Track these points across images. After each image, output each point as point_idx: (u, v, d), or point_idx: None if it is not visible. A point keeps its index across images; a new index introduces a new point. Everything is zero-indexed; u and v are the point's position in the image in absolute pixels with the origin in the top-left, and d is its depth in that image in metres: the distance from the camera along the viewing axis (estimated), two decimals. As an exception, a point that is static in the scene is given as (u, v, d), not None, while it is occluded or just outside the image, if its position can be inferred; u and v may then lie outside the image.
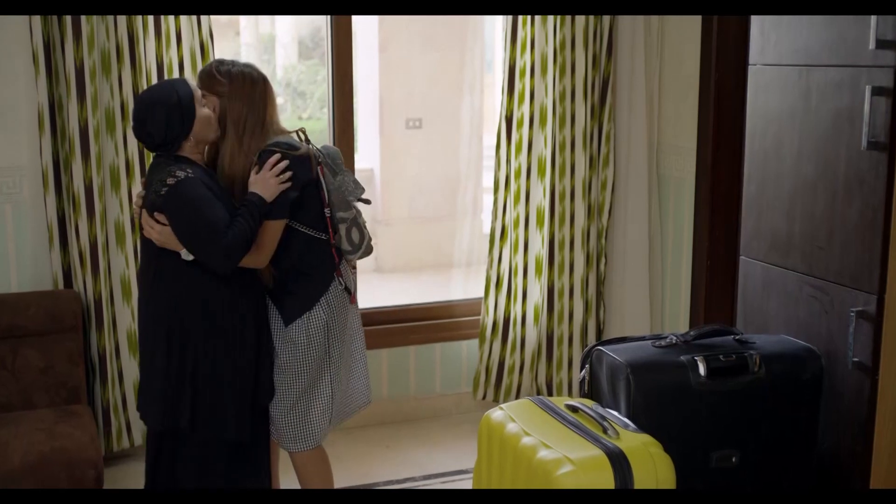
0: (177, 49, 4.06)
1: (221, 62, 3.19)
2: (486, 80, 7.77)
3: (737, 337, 3.16)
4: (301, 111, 9.68)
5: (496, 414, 2.93)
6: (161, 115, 3.02)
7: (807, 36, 3.19)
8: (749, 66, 3.48)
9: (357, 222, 3.36)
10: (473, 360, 4.84)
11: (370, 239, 3.41)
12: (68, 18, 3.86)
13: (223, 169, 3.18)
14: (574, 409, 2.86)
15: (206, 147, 3.23)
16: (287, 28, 9.99)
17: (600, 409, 2.85)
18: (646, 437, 2.71)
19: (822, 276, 3.17)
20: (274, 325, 3.31)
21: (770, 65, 3.37)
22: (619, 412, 2.94)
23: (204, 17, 4.08)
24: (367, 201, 3.41)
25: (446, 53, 7.42)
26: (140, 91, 3.88)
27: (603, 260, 4.77)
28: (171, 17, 4.02)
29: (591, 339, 4.80)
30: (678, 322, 4.73)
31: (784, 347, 3.17)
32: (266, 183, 3.08)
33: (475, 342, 4.82)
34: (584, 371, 3.17)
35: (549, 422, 2.82)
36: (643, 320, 4.80)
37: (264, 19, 9.96)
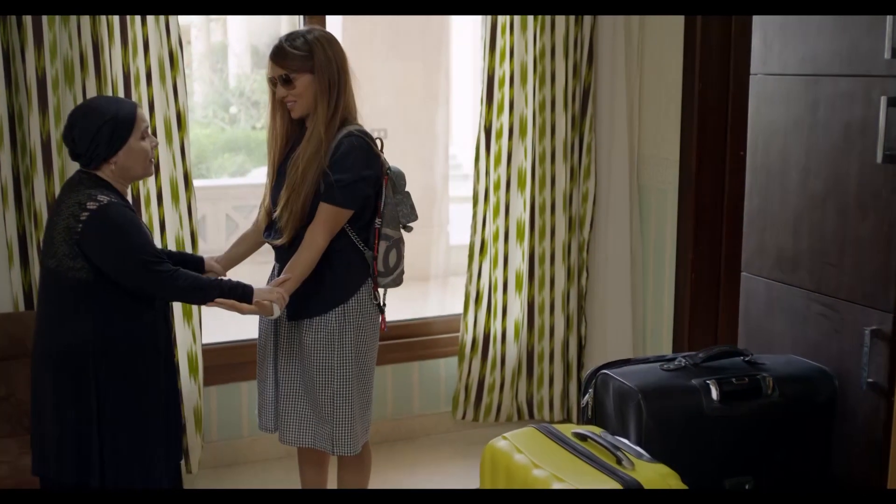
0: (144, 57, 3.85)
1: (289, 36, 3.17)
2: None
3: (746, 358, 3.03)
4: (255, 121, 9.51)
5: (500, 444, 2.76)
6: (92, 125, 2.84)
7: (814, 44, 3.08)
8: (750, 76, 3.35)
9: (399, 246, 3.29)
10: (452, 378, 4.70)
11: (403, 270, 3.33)
12: (29, 25, 3.63)
13: (321, 135, 3.12)
14: (583, 438, 2.71)
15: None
16: (240, 36, 9.81)
17: (610, 438, 2.70)
18: (662, 468, 2.56)
19: (833, 293, 3.06)
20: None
21: (773, 74, 3.25)
22: (629, 439, 2.80)
23: (173, 24, 3.88)
24: (410, 229, 3.35)
25: (411, 63, 7.30)
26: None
27: (584, 274, 4.65)
28: (139, 24, 3.82)
29: (573, 356, 4.68)
30: (661, 337, 4.63)
31: (796, 369, 3.05)
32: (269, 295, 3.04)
33: (453, 360, 4.68)
34: (587, 396, 3.03)
35: (558, 452, 2.67)
36: (625, 335, 4.68)
37: (216, 27, 9.77)
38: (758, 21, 3.30)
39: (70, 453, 2.90)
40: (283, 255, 3.22)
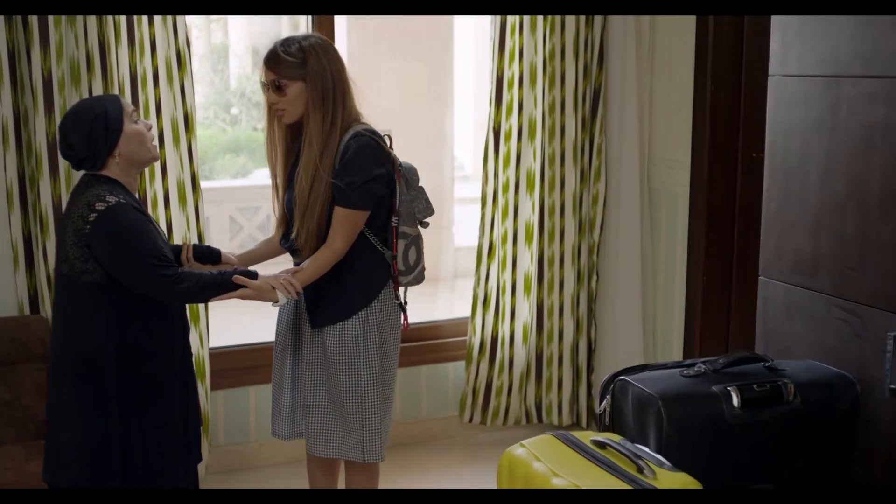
0: (151, 58, 3.81)
1: (285, 41, 3.10)
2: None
3: (767, 364, 2.98)
4: (256, 122, 9.46)
5: (518, 451, 2.71)
6: (84, 126, 2.80)
7: (835, 45, 3.03)
8: (769, 78, 3.30)
9: (417, 243, 3.25)
10: (460, 382, 4.65)
11: (424, 267, 3.29)
12: (35, 25, 3.59)
13: (315, 149, 3.05)
14: (602, 446, 2.66)
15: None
16: (241, 37, 9.77)
17: (630, 446, 2.65)
18: (685, 477, 2.52)
19: (854, 298, 3.00)
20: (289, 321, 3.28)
21: (792, 76, 3.20)
22: (649, 447, 2.75)
23: (180, 25, 3.83)
24: (426, 224, 3.31)
25: (416, 64, 7.25)
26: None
27: (594, 277, 4.60)
28: (146, 24, 3.77)
29: (582, 359, 4.63)
30: (672, 341, 4.58)
31: (817, 374, 2.99)
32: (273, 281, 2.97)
33: (461, 363, 4.63)
34: (604, 402, 2.98)
35: (577, 460, 2.62)
36: (636, 339, 4.63)
37: (217, 28, 9.73)
38: (776, 21, 3.25)
39: (90, 458, 2.85)
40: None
